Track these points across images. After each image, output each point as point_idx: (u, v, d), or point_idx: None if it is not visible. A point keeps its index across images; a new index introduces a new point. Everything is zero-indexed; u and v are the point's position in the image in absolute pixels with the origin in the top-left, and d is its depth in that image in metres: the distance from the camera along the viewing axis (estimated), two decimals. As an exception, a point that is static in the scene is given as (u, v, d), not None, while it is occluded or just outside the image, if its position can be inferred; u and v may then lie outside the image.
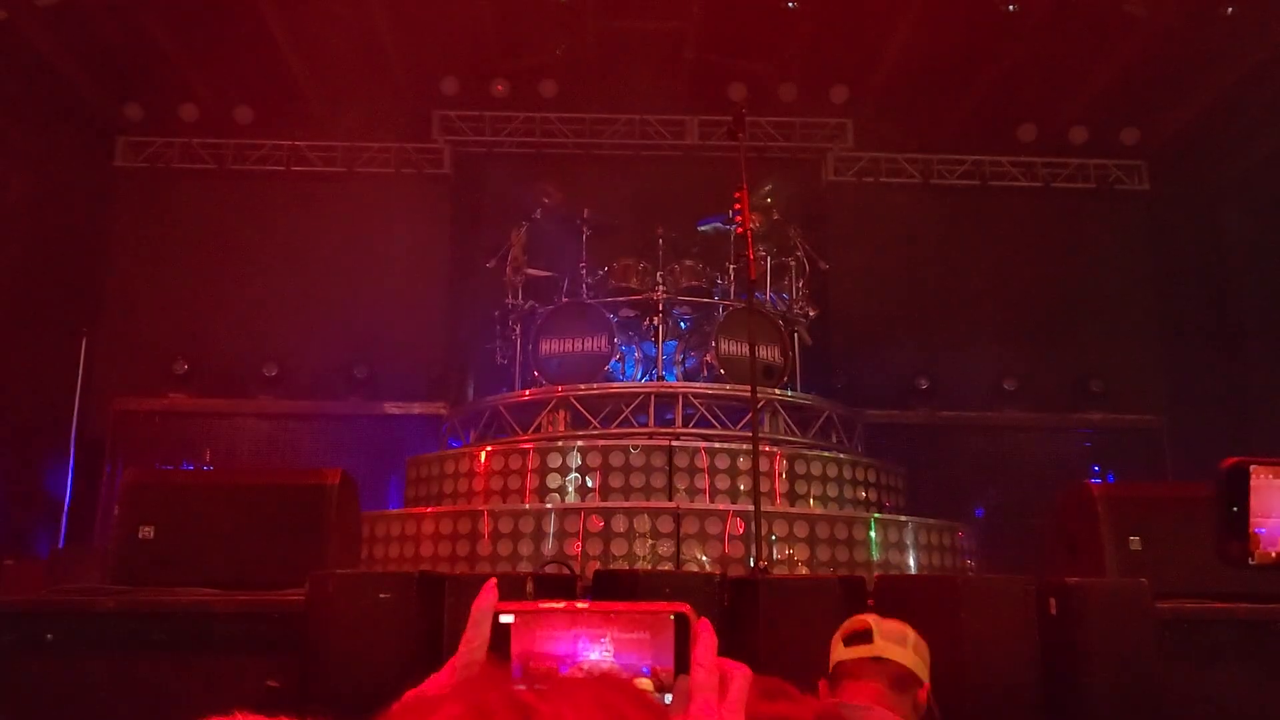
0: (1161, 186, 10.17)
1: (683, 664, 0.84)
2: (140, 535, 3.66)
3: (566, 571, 4.30)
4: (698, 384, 7.02)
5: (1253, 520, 1.44)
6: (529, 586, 3.00)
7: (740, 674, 0.85)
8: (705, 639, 0.85)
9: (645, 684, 0.82)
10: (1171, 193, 10.04)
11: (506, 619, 0.86)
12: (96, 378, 8.92)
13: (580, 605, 0.88)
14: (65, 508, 8.21)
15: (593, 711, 0.57)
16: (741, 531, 5.60)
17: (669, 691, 0.83)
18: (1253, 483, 1.45)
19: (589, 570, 5.08)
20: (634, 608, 0.89)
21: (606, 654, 0.85)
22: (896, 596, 3.18)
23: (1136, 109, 9.59)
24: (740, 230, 4.77)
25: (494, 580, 0.90)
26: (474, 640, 0.85)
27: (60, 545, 7.98)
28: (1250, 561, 1.44)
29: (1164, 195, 10.14)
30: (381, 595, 2.92)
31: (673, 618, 0.85)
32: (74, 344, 8.62)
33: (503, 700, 0.56)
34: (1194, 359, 9.42)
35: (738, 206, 4.63)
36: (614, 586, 3.26)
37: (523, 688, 0.78)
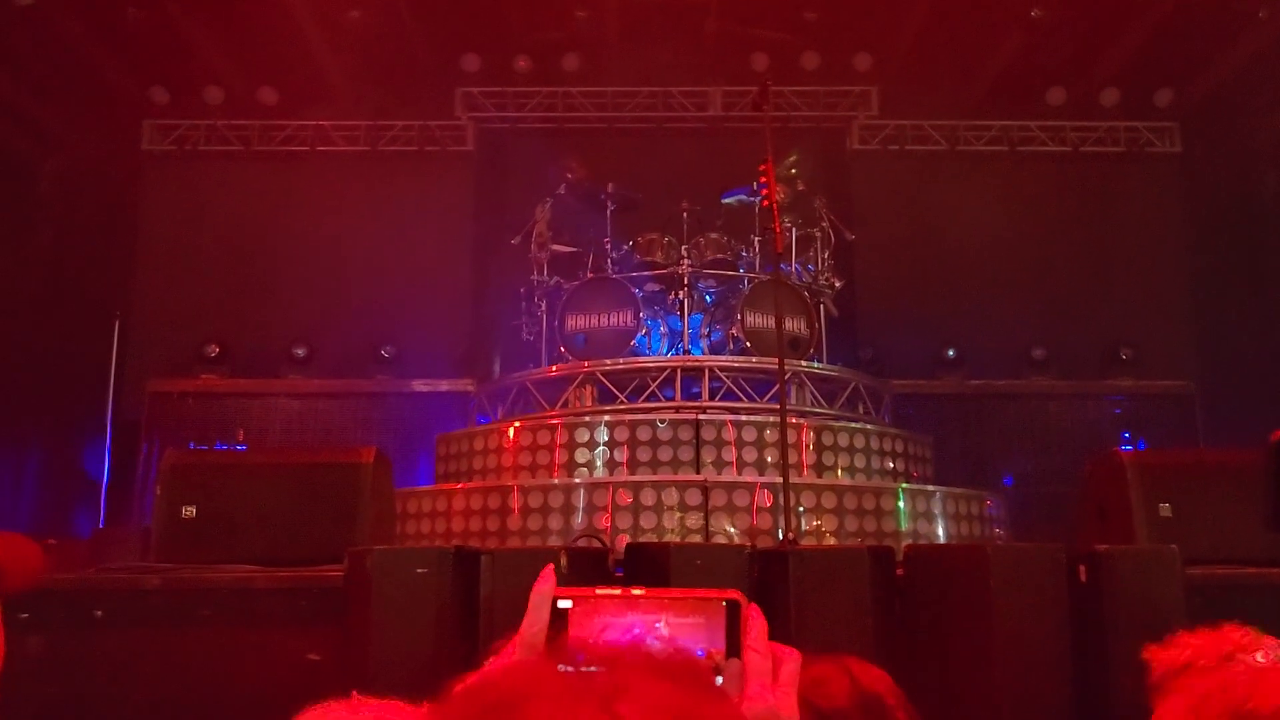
0: (1194, 149, 10.00)
1: (734, 648, 0.87)
2: (183, 515, 3.75)
3: (598, 545, 4.35)
4: (724, 357, 7.03)
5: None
6: (562, 560, 3.04)
7: (792, 658, 0.88)
8: (757, 624, 0.88)
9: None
10: (1204, 155, 9.86)
11: (565, 604, 0.89)
12: (130, 359, 9.07)
13: (636, 592, 0.91)
14: (104, 488, 8.38)
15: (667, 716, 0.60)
16: (770, 503, 5.62)
17: (721, 675, 0.87)
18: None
19: (618, 543, 5.14)
20: (688, 594, 0.92)
21: (661, 639, 0.89)
22: (926, 566, 3.20)
23: (1169, 70, 9.41)
24: (766, 204, 4.76)
25: (551, 566, 0.93)
26: (534, 625, 0.88)
27: (101, 525, 8.15)
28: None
29: (1197, 157, 9.97)
30: (419, 570, 2.98)
31: (725, 604, 0.89)
32: (107, 327, 8.77)
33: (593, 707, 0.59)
34: (1227, 323, 9.29)
35: (764, 179, 4.61)
36: (645, 560, 3.30)
37: (591, 670, 0.81)
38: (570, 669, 0.85)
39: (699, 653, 0.87)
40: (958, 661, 2.94)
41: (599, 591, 0.90)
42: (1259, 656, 1.34)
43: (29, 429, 8.68)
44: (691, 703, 0.63)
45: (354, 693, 0.85)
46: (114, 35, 8.61)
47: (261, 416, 8.89)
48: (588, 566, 3.24)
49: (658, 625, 0.88)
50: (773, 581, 3.09)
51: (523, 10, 9.07)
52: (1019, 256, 9.55)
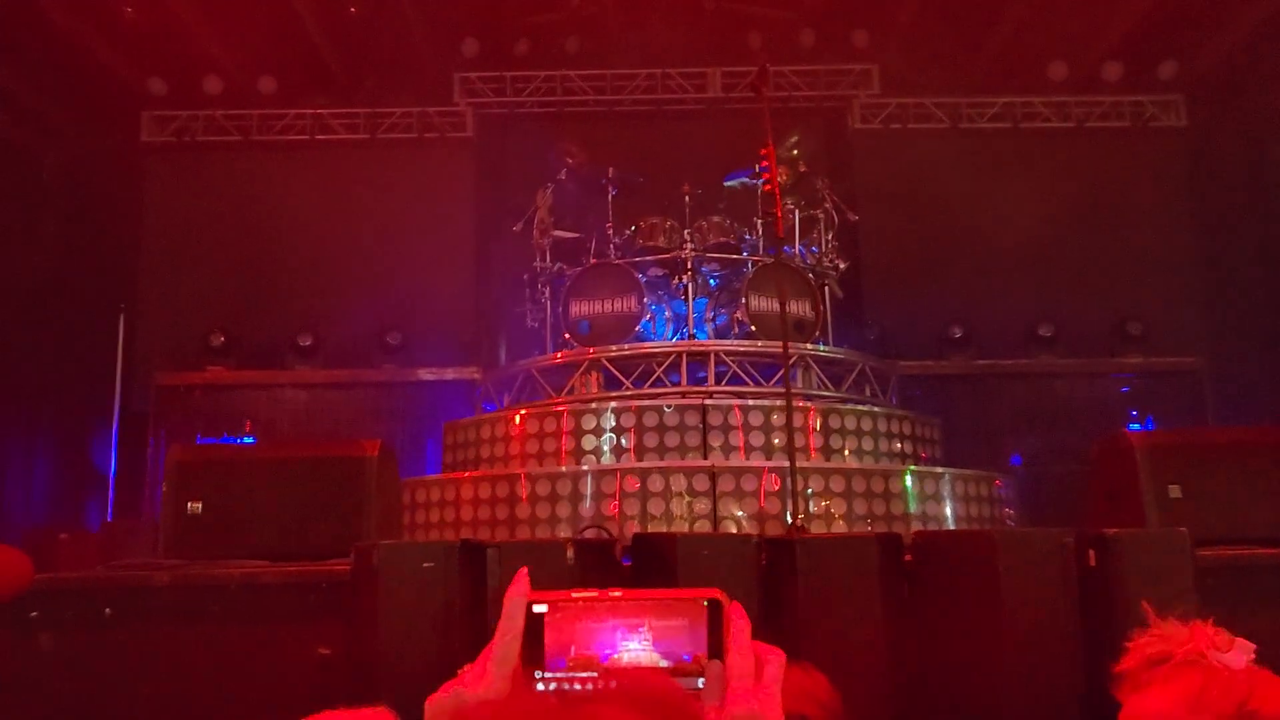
0: (1201, 121, 9.90)
1: (716, 649, 0.85)
2: (189, 510, 3.75)
3: (605, 536, 4.35)
4: (729, 341, 7.00)
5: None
6: (569, 553, 3.04)
7: (775, 658, 0.86)
8: (739, 624, 0.86)
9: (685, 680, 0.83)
10: (1211, 127, 9.77)
11: (540, 609, 0.87)
12: (137, 352, 9.08)
13: (615, 594, 0.89)
14: (112, 481, 8.41)
15: None
16: (777, 487, 5.61)
17: (703, 678, 0.84)
18: None
19: (628, 530, 5.13)
20: (668, 594, 0.89)
21: (645, 643, 0.86)
22: (934, 552, 3.19)
23: (1173, 41, 9.29)
24: (768, 188, 4.73)
25: (525, 570, 0.91)
26: (508, 633, 0.86)
27: (109, 518, 8.18)
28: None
29: (1204, 130, 9.87)
30: (425, 564, 2.97)
31: (706, 604, 0.86)
32: (113, 319, 8.77)
33: None
34: (1236, 298, 9.23)
35: (764, 163, 4.58)
36: (652, 550, 3.29)
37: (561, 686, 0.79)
38: (544, 678, 0.83)
39: (685, 657, 0.86)
40: (967, 647, 2.93)
41: (575, 595, 0.88)
42: (1231, 657, 1.37)
43: (38, 422, 8.71)
44: None
45: (325, 712, 0.84)
46: (111, 26, 8.56)
47: (269, 408, 8.90)
48: (594, 558, 3.24)
49: (640, 629, 0.86)
50: (780, 570, 3.08)
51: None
52: (1024, 234, 9.48)
